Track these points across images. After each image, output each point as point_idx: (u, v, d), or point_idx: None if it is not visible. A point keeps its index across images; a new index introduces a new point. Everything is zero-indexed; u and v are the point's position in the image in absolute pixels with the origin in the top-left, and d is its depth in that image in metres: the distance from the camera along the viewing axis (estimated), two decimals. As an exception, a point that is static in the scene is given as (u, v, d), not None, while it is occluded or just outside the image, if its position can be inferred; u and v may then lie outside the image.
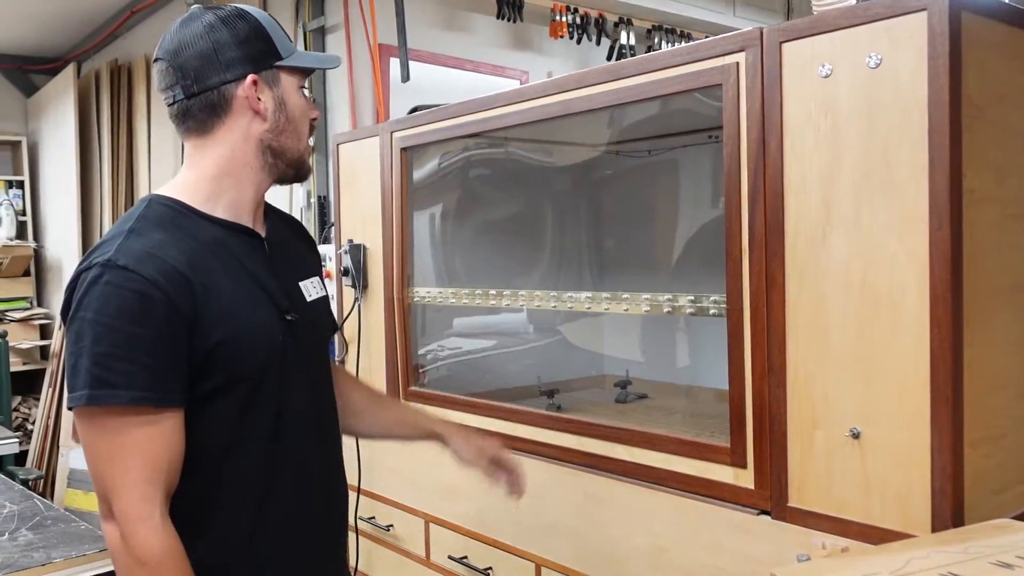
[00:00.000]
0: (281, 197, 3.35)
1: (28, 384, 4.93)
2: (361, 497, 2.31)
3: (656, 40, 4.26)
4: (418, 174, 2.28)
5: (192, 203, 1.25)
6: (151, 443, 1.13)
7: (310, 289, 1.36)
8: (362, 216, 2.33)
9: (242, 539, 1.24)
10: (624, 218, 2.59)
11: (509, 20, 3.69)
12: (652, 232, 2.53)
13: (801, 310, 1.33)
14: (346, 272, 2.33)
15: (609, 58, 4.01)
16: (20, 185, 5.08)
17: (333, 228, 2.48)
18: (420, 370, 2.25)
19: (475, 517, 1.96)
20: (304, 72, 1.32)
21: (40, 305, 5.04)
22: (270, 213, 1.38)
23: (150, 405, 1.12)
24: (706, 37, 1.55)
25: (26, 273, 4.99)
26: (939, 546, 1.05)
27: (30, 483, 3.13)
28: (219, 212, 1.26)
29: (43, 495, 3.53)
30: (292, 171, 1.31)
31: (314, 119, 1.34)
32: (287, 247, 1.38)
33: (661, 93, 1.54)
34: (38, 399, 4.89)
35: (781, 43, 1.33)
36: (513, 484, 1.57)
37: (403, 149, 2.16)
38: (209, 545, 1.21)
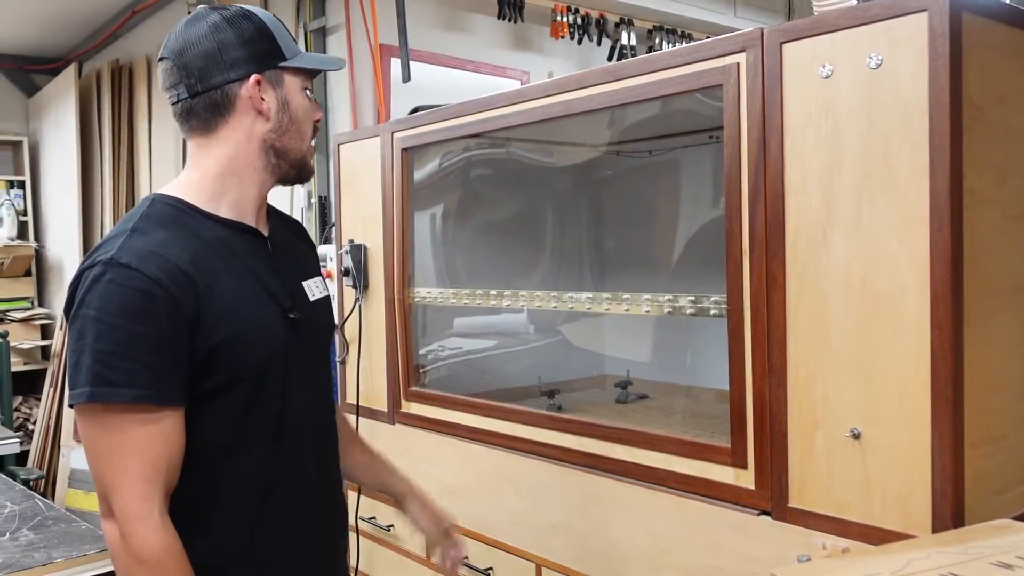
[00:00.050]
0: (282, 197, 3.36)
1: (29, 384, 4.94)
2: (361, 497, 2.32)
3: (657, 40, 4.26)
4: (419, 174, 2.28)
5: (195, 202, 1.25)
6: (151, 441, 1.13)
7: (313, 289, 1.36)
8: (363, 216, 2.33)
9: (242, 538, 1.24)
10: (625, 218, 2.60)
11: (510, 20, 3.69)
12: (653, 232, 2.53)
13: (802, 310, 1.33)
14: (347, 272, 2.33)
15: (610, 58, 4.01)
16: (21, 185, 5.09)
17: (334, 228, 2.48)
18: (421, 370, 2.26)
19: (475, 517, 1.96)
20: (308, 73, 1.32)
21: (41, 305, 5.05)
22: (271, 213, 1.38)
23: (152, 403, 1.12)
24: (707, 38, 1.55)
25: (27, 273, 4.99)
26: (939, 547, 1.05)
27: (31, 483, 3.13)
28: (222, 211, 1.26)
29: (44, 495, 3.53)
30: (295, 172, 1.32)
31: (317, 120, 1.34)
32: (290, 247, 1.38)
33: (662, 94, 1.54)
34: (39, 399, 4.89)
35: (782, 44, 1.33)
36: (454, 561, 1.54)
37: (404, 149, 2.16)
38: (209, 544, 1.21)
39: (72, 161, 4.65)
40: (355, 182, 2.36)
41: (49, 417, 4.72)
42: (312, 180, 1.53)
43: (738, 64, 1.39)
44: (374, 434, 2.31)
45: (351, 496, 2.30)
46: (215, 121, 1.25)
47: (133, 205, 4.22)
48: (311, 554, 1.32)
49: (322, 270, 1.49)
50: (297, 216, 3.36)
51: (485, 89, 2.74)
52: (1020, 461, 1.32)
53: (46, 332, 4.98)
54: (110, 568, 1.25)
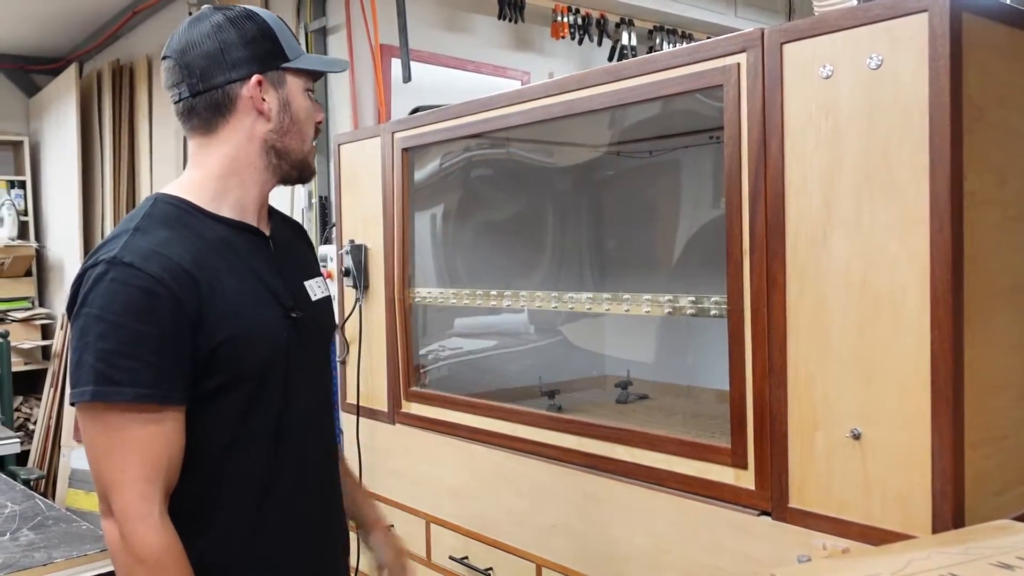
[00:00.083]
0: (282, 197, 3.36)
1: (30, 384, 4.94)
2: (362, 497, 2.31)
3: (657, 41, 4.26)
4: (419, 174, 2.28)
5: (198, 202, 1.25)
6: (152, 441, 1.13)
7: (315, 288, 1.37)
8: (363, 216, 2.33)
9: (242, 538, 1.24)
10: (625, 219, 2.60)
11: (510, 21, 3.69)
12: (653, 233, 2.53)
13: (802, 311, 1.33)
14: (347, 272, 2.34)
15: (610, 59, 4.02)
16: (22, 185, 5.09)
17: (334, 228, 2.48)
18: (421, 370, 2.26)
19: (476, 518, 1.97)
20: (311, 75, 1.32)
21: (42, 305, 5.05)
22: (272, 214, 1.39)
23: (154, 403, 1.12)
24: (707, 38, 1.55)
25: (28, 273, 5.00)
26: (940, 547, 1.05)
27: (31, 483, 3.13)
28: (224, 211, 1.26)
29: (44, 495, 3.53)
30: (296, 172, 1.32)
31: (319, 122, 1.34)
32: (291, 247, 1.39)
33: (662, 94, 1.54)
34: (39, 399, 4.90)
35: (782, 44, 1.33)
36: None
37: (404, 149, 2.16)
38: (209, 544, 1.21)
39: (73, 161, 4.65)
40: (355, 182, 2.36)
41: (49, 417, 4.72)
42: (313, 180, 1.53)
43: (738, 64, 1.39)
44: (374, 434, 2.31)
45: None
46: (216, 121, 1.25)
47: (134, 205, 4.23)
48: (311, 554, 1.32)
49: (322, 270, 1.50)
50: (297, 216, 3.36)
51: (485, 89, 2.74)
52: (1020, 461, 1.32)
53: (46, 332, 4.99)
54: (110, 568, 1.25)
